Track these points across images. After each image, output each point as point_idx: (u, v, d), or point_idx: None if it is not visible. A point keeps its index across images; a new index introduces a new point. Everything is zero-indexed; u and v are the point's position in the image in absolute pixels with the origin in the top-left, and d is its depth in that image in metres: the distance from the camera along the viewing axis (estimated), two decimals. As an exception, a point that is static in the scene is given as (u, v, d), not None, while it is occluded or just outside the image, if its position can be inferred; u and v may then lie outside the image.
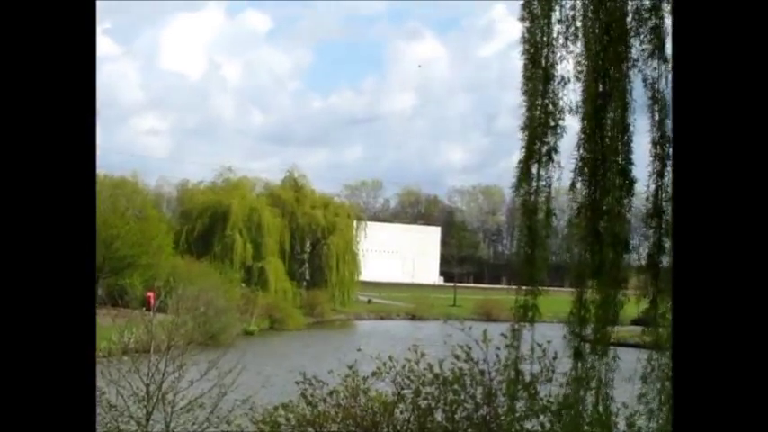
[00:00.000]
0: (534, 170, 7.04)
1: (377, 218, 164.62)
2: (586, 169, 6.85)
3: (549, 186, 7.06)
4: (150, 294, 33.27)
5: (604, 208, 6.79)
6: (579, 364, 6.87)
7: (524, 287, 7.55)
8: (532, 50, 6.97)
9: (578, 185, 6.90)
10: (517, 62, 7.04)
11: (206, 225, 67.97)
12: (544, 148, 7.02)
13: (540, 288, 7.39)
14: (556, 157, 7.00)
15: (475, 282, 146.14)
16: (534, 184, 7.02)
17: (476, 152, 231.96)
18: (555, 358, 9.40)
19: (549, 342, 9.23)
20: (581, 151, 6.87)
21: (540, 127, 6.97)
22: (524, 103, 7.05)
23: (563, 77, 6.96)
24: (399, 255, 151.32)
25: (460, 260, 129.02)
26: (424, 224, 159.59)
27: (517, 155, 7.08)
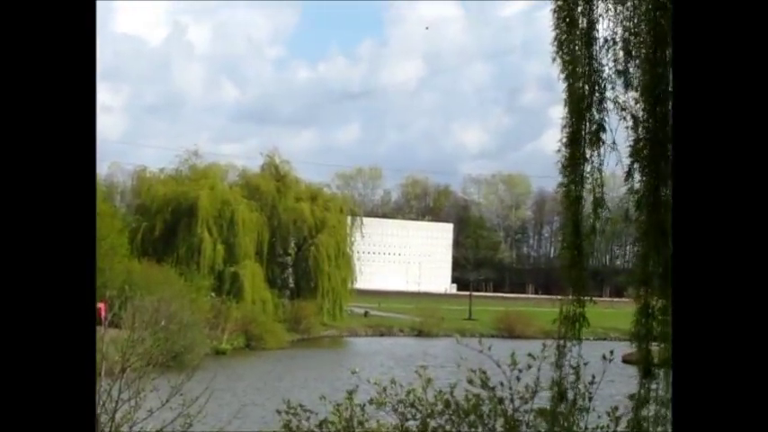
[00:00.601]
0: (579, 154, 6.97)
1: (375, 213, 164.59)
2: (645, 152, 6.75)
3: (600, 172, 7.00)
4: (101, 306, 33.21)
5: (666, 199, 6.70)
6: (647, 387, 6.81)
7: (562, 295, 7.50)
8: (568, 7, 6.89)
9: (635, 173, 6.82)
10: (547, 22, 6.97)
11: (168, 222, 68.08)
12: (589, 127, 6.95)
13: (589, 296, 7.34)
14: (605, 138, 6.93)
15: (494, 290, 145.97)
16: (580, 170, 6.95)
17: (496, 133, 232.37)
18: (592, 383, 9.37)
19: (584, 363, 9.20)
20: (639, 131, 6.78)
21: (582, 101, 6.89)
22: (561, 73, 6.97)
23: (607, 39, 6.88)
24: (403, 258, 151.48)
25: (477, 264, 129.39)
26: (432, 220, 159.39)
27: (547, 136, 7.06)
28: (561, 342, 7.44)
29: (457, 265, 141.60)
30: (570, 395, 9.33)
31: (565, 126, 7.03)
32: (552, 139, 7.37)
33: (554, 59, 6.89)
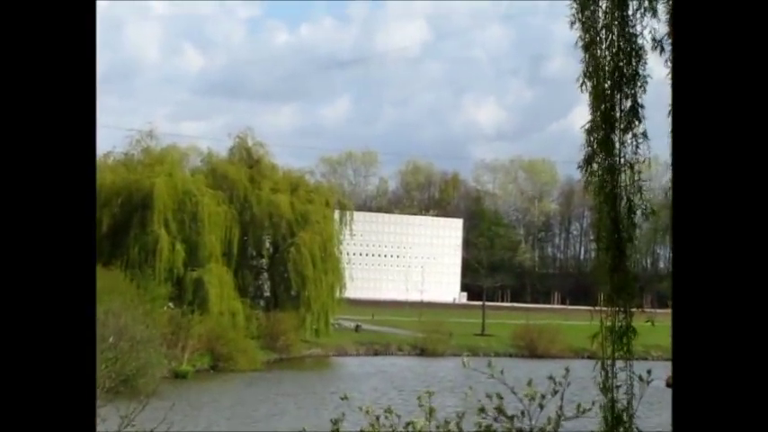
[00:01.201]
0: (612, 136, 6.99)
1: (369, 206, 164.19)
2: None
3: (636, 155, 7.04)
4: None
5: None
6: None
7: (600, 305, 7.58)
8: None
9: None
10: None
11: (117, 216, 67.90)
12: (624, 103, 6.99)
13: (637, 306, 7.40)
14: (643, 115, 6.97)
15: (513, 300, 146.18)
16: (615, 154, 6.97)
17: (515, 109, 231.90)
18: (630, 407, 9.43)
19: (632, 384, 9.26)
20: None
21: (614, 73, 6.93)
22: (581, 40, 7.01)
23: (641, 2, 6.94)
24: (402, 260, 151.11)
25: (492, 268, 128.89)
26: (438, 215, 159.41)
27: (577, 113, 7.12)
28: (608, 360, 7.51)
29: (468, 269, 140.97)
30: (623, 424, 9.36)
31: (595, 102, 7.07)
32: (583, 118, 7.41)
33: (573, 23, 6.93)
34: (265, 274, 77.13)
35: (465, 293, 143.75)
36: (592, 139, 7.13)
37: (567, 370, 8.37)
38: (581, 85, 7.07)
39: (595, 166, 7.19)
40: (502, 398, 10.08)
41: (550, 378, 8.61)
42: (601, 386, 8.05)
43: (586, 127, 7.23)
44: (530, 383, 8.88)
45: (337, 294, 76.09)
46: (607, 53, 7.02)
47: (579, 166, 7.29)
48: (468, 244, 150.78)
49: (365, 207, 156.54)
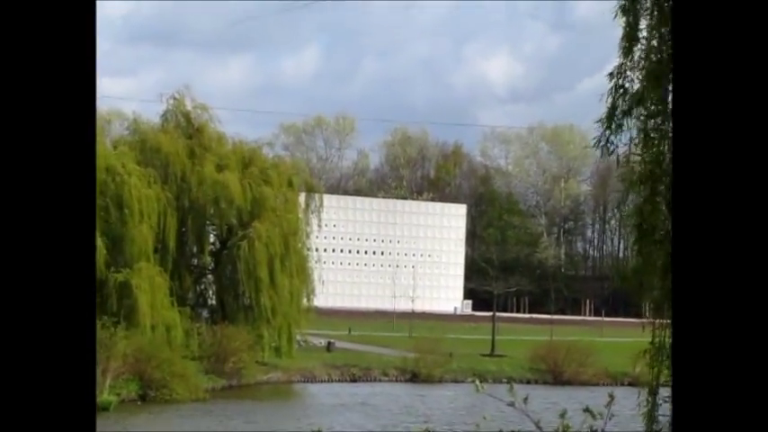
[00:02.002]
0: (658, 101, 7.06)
1: (345, 188, 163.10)
2: None
3: None
4: None
5: None
6: None
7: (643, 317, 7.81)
8: None
9: None
10: None
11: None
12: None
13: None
14: None
15: (531, 309, 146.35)
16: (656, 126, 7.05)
17: (535, 62, 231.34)
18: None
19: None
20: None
21: (661, 25, 7.02)
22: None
23: None
24: (388, 258, 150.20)
25: (504, 268, 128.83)
26: (434, 200, 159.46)
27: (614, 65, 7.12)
28: (654, 383, 7.65)
29: (473, 269, 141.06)
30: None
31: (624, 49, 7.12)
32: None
33: None
34: (210, 277, 76.97)
35: (469, 301, 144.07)
36: (630, 87, 7.19)
37: (612, 397, 8.33)
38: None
39: (632, 129, 7.22)
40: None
41: (586, 410, 8.58)
42: (645, 419, 8.10)
43: (628, 85, 7.24)
44: (563, 415, 8.85)
45: (304, 303, 75.70)
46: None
47: (604, 125, 7.27)
48: (473, 237, 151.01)
49: (340, 189, 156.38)
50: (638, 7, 7.43)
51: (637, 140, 9.27)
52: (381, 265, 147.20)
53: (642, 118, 7.53)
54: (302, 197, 79.14)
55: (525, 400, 9.70)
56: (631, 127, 9.11)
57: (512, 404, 9.74)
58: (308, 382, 75.91)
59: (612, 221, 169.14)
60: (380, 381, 79.04)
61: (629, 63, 8.14)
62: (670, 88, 7.69)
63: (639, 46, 8.66)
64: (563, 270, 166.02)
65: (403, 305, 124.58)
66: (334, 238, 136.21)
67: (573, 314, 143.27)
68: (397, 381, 79.17)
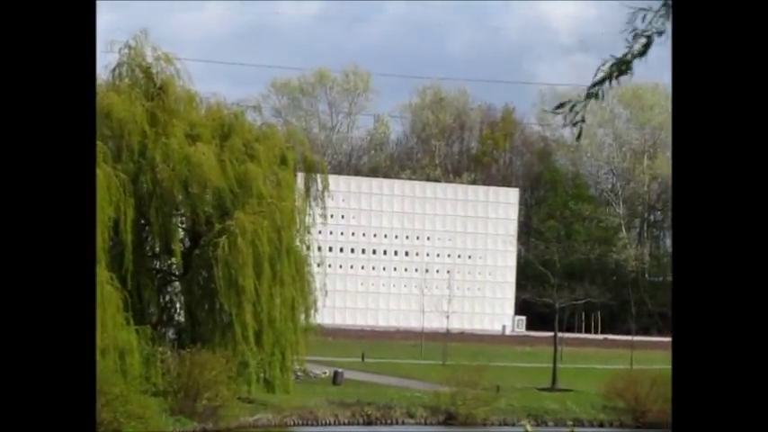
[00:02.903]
0: None
1: (356, 167, 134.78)
2: None
3: None
4: None
5: None
6: None
7: None
8: None
9: None
10: None
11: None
12: None
13: None
14: None
15: (606, 329, 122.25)
16: None
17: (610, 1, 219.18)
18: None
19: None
20: None
21: None
22: None
23: None
24: (414, 261, 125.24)
25: (569, 274, 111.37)
26: (476, 182, 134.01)
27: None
28: None
29: (528, 275, 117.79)
30: None
31: None
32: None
33: None
34: (177, 285, 61.71)
35: (523, 318, 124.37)
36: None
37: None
38: None
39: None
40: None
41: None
42: None
43: None
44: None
45: (302, 320, 61.40)
46: None
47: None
48: (528, 231, 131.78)
49: (350, 168, 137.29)
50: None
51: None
52: (406, 270, 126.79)
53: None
54: (300, 179, 64.28)
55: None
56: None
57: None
58: (308, 424, 61.21)
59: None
60: (405, 423, 63.98)
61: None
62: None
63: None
64: (647, 276, 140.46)
65: (435, 323, 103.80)
66: (342, 233, 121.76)
67: (660, 335, 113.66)
68: (426, 423, 64.18)
